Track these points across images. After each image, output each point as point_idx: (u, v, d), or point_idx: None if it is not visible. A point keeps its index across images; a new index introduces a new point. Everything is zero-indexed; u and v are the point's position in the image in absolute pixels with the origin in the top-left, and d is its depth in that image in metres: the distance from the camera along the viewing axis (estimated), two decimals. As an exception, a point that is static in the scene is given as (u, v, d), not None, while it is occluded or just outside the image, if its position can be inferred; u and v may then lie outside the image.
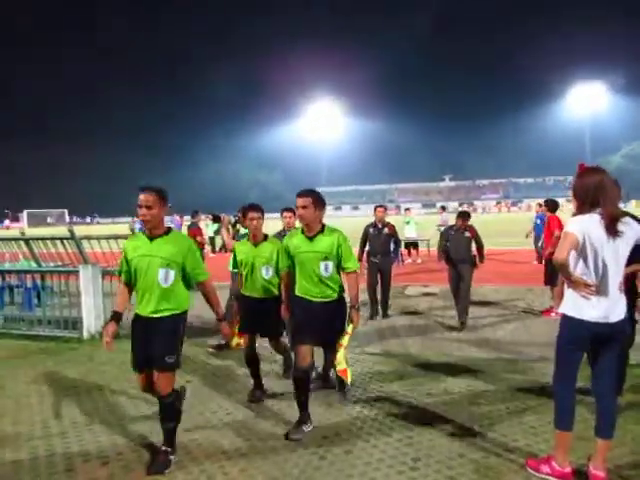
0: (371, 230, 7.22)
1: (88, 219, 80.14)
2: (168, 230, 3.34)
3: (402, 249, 13.49)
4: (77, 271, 6.48)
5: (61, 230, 9.42)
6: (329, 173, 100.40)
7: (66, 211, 76.38)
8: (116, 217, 69.50)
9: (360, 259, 6.92)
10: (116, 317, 3.36)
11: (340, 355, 3.84)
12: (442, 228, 14.29)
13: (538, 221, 13.34)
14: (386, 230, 7.19)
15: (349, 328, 3.82)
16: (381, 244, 7.18)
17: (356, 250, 6.99)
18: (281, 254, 3.99)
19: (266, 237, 4.40)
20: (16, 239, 7.33)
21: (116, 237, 6.67)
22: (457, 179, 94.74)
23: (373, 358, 5.39)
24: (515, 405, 4.03)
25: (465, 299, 6.58)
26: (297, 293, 3.83)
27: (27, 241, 7.36)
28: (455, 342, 5.94)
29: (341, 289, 3.84)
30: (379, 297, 7.33)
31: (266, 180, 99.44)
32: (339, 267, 3.76)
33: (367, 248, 7.24)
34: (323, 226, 3.76)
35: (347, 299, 3.89)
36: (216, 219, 8.53)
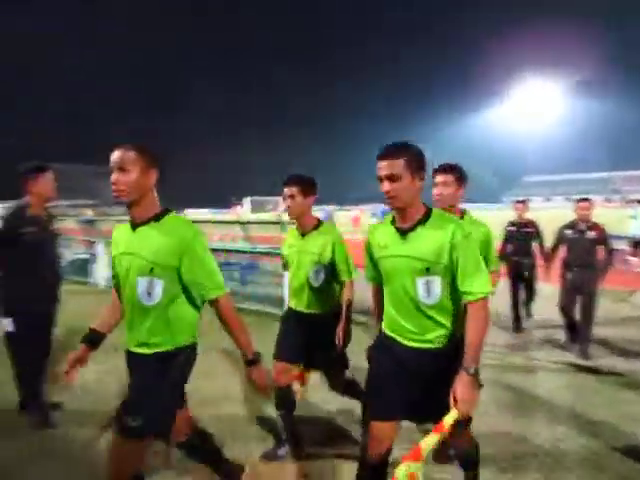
0: (569, 233, 5.32)
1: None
2: (163, 212, 2.08)
3: (629, 248, 11.38)
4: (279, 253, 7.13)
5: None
6: (538, 160, 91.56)
7: (280, 199, 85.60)
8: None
9: (548, 263, 5.66)
10: (89, 339, 2.25)
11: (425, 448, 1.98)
12: None
13: None
14: (592, 233, 5.20)
15: (451, 414, 1.98)
16: (582, 252, 5.22)
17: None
18: (365, 258, 2.41)
19: (319, 224, 3.00)
20: (232, 222, 8.48)
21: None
22: None
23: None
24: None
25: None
26: (383, 328, 2.30)
27: (243, 224, 8.49)
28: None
29: (461, 329, 2.09)
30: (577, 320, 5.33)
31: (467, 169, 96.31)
32: (455, 289, 2.07)
33: (564, 256, 5.42)
34: (429, 210, 2.12)
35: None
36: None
